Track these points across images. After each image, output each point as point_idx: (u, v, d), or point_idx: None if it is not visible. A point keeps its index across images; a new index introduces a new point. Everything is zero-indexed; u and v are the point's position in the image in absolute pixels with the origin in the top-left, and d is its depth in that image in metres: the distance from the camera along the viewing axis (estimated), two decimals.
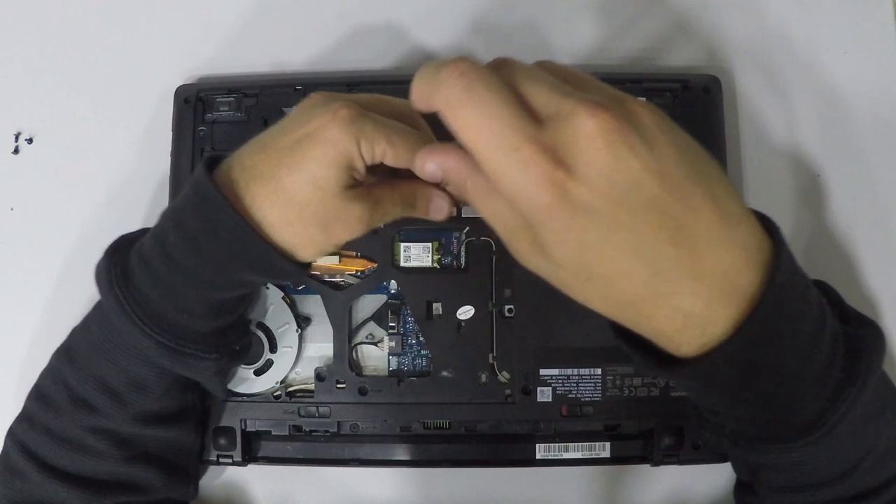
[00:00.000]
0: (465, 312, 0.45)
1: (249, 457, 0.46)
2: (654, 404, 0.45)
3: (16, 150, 0.51)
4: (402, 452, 0.46)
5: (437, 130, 0.35)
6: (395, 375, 0.45)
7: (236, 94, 0.47)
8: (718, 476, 0.47)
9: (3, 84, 0.51)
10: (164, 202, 0.47)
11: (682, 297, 0.29)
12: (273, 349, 0.45)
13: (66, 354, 0.41)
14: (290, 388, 0.46)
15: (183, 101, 0.48)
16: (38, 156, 0.51)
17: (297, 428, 0.46)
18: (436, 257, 0.46)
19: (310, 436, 0.46)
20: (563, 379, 0.45)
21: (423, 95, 0.30)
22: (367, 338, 0.46)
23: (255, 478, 0.47)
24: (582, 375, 0.45)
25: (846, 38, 0.51)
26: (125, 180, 0.49)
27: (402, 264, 0.46)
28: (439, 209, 0.38)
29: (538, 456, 0.45)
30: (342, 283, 0.46)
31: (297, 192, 0.35)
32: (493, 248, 0.46)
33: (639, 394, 0.45)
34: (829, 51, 0.51)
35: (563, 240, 0.29)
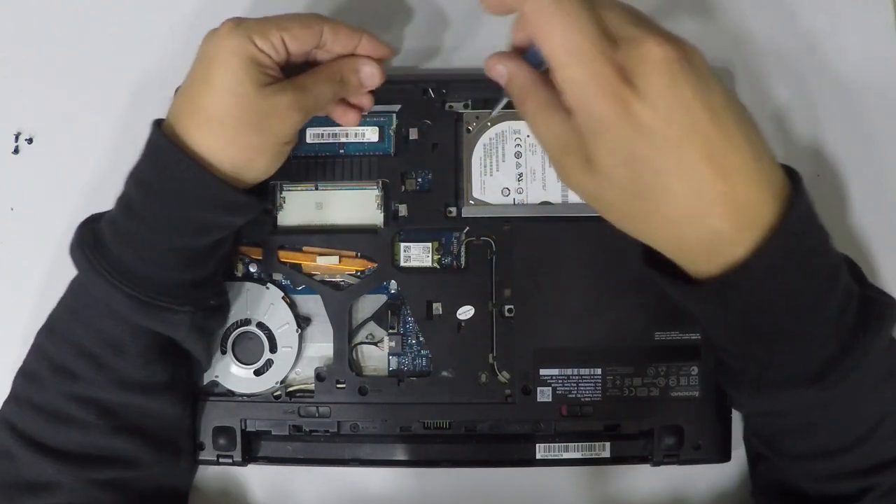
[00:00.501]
0: (465, 312, 0.45)
1: (249, 457, 0.46)
2: (654, 404, 0.45)
3: (16, 150, 0.51)
4: (402, 452, 0.46)
5: None
6: (395, 375, 0.46)
7: None
8: (718, 476, 0.47)
9: (3, 84, 0.51)
10: None
11: (714, 218, 0.31)
12: (273, 349, 0.45)
13: (47, 328, 0.41)
14: (290, 388, 0.46)
15: None
16: (38, 156, 0.51)
17: (297, 428, 0.46)
18: (436, 257, 0.46)
19: (310, 436, 0.46)
20: (563, 379, 0.45)
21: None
22: (367, 338, 0.46)
23: (255, 478, 0.47)
24: (582, 375, 0.45)
25: (846, 38, 0.51)
26: (125, 181, 0.49)
27: (402, 264, 0.46)
28: (371, 75, 0.41)
29: (538, 456, 0.45)
30: (342, 283, 0.46)
31: (219, 108, 0.37)
32: (493, 248, 0.46)
33: (639, 394, 0.45)
34: (830, 51, 0.50)
35: (615, 151, 0.31)
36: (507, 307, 0.45)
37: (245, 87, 0.37)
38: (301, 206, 0.47)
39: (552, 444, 0.45)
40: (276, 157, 0.40)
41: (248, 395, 0.45)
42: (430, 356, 0.46)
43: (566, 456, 0.45)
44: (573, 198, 0.46)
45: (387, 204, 0.46)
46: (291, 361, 0.45)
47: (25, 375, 0.41)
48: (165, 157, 0.38)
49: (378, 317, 0.46)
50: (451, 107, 0.47)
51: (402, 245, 0.46)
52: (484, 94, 0.46)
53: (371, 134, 0.47)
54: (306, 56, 0.40)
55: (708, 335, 0.39)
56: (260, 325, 0.45)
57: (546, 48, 0.32)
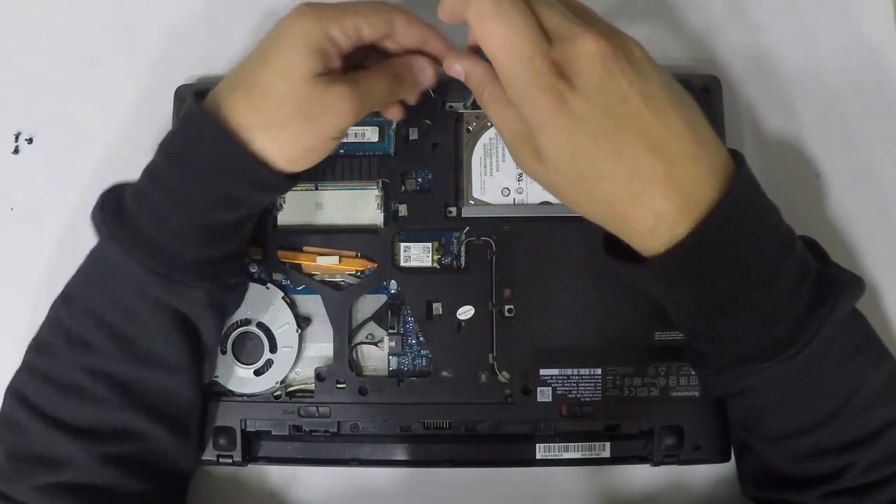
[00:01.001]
0: (465, 312, 0.45)
1: (249, 457, 0.46)
2: (654, 404, 0.45)
3: (16, 150, 0.51)
4: (402, 452, 0.46)
5: None
6: (395, 375, 0.45)
7: None
8: (718, 476, 0.47)
9: (3, 84, 0.51)
10: None
11: (654, 198, 0.33)
12: (273, 349, 0.45)
13: (62, 299, 0.41)
14: (290, 388, 0.46)
15: (183, 101, 0.48)
16: (38, 156, 0.51)
17: (297, 428, 0.46)
18: (436, 257, 0.46)
19: (310, 436, 0.46)
20: (563, 379, 0.45)
21: (454, 8, 0.35)
22: (367, 338, 0.46)
23: (255, 478, 0.47)
24: (582, 375, 0.45)
25: (846, 38, 0.51)
26: (125, 180, 0.49)
27: (402, 264, 0.46)
28: (423, 69, 0.41)
29: (538, 456, 0.45)
30: (342, 283, 0.46)
31: (269, 87, 0.37)
32: (493, 248, 0.46)
33: (639, 394, 0.45)
34: (830, 51, 0.51)
35: (557, 142, 0.34)
36: (507, 307, 0.45)
37: (301, 72, 0.36)
38: (301, 206, 0.47)
39: (552, 444, 0.45)
40: (317, 152, 0.39)
41: (248, 395, 0.45)
42: (430, 356, 0.46)
43: (566, 456, 0.45)
44: None
45: (387, 204, 0.46)
46: (291, 361, 0.45)
47: (39, 346, 0.40)
48: (198, 127, 0.37)
49: (378, 317, 0.46)
50: (451, 107, 0.47)
51: (402, 245, 0.46)
52: None
53: (371, 134, 0.47)
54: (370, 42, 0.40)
55: (669, 315, 0.39)
56: (260, 325, 0.45)
57: (487, 49, 0.34)
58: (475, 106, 0.46)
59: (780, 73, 0.50)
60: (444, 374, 0.45)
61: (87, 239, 0.49)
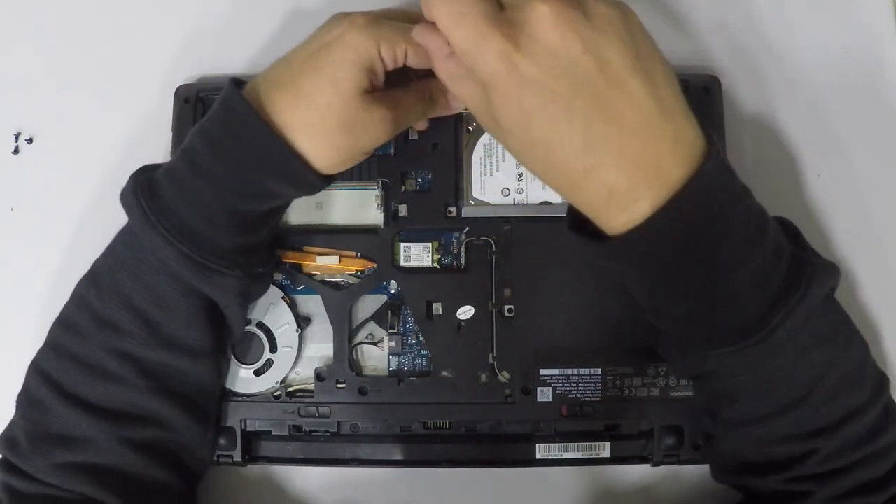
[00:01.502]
0: (465, 312, 0.45)
1: (249, 457, 0.46)
2: (654, 404, 0.45)
3: (16, 150, 0.51)
4: (402, 452, 0.46)
5: None
6: (395, 375, 0.46)
7: None
8: None
9: (3, 84, 0.51)
10: None
11: (608, 170, 0.32)
12: (273, 349, 0.45)
13: (90, 279, 0.41)
14: (290, 388, 0.46)
15: (183, 101, 0.48)
16: (38, 156, 0.51)
17: (297, 428, 0.46)
18: (436, 257, 0.46)
19: (310, 436, 0.46)
20: (563, 379, 0.45)
21: None
22: (367, 338, 0.46)
23: (255, 478, 0.47)
24: (582, 375, 0.45)
25: (846, 38, 0.51)
26: (125, 180, 0.49)
27: (402, 264, 0.46)
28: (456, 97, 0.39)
29: (538, 456, 0.45)
30: (342, 283, 0.46)
31: (317, 96, 0.37)
32: (493, 248, 0.46)
33: (639, 394, 0.45)
34: (830, 51, 0.51)
35: (508, 106, 0.33)
36: (507, 307, 0.45)
37: (350, 87, 0.37)
38: (301, 206, 0.47)
39: (552, 444, 0.45)
40: (350, 161, 0.40)
41: (248, 395, 0.45)
42: (430, 356, 0.46)
43: (566, 456, 0.45)
44: None
45: (387, 204, 0.46)
46: (291, 361, 0.45)
47: (66, 325, 0.40)
48: (242, 119, 0.37)
49: (378, 317, 0.46)
50: None
51: (402, 245, 0.46)
52: None
53: None
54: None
55: (631, 293, 0.39)
56: (260, 325, 0.45)
57: (434, 16, 0.33)
58: None
59: (780, 72, 0.50)
60: (444, 374, 0.45)
61: (88, 239, 0.49)
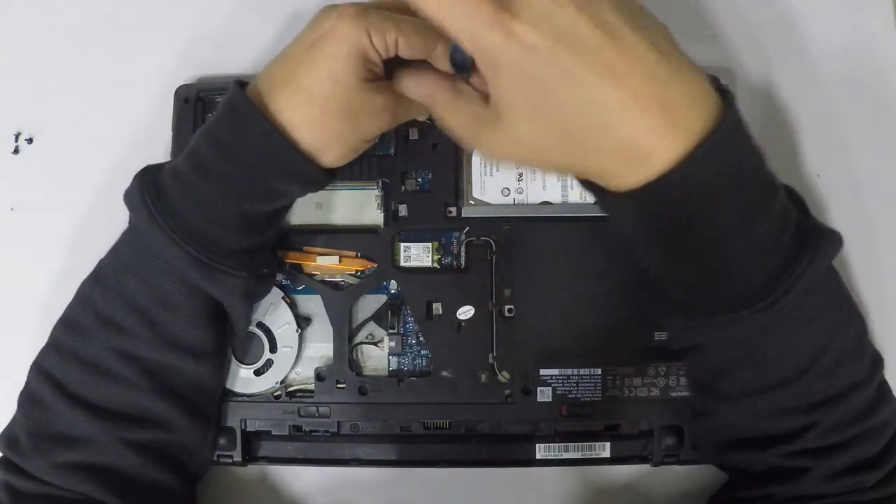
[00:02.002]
0: (465, 312, 0.45)
1: (249, 457, 0.46)
2: (654, 404, 0.45)
3: (16, 150, 0.51)
4: (402, 452, 0.46)
5: None
6: (395, 375, 0.46)
7: None
8: (718, 476, 0.47)
9: (3, 84, 0.51)
10: None
11: (625, 123, 0.32)
12: (273, 349, 0.45)
13: (94, 279, 0.41)
14: (290, 388, 0.46)
15: (183, 101, 0.48)
16: (38, 156, 0.51)
17: (297, 428, 0.46)
18: (436, 257, 0.46)
19: (310, 436, 0.46)
20: (563, 379, 0.45)
21: None
22: (367, 338, 0.46)
23: (255, 478, 0.47)
24: (582, 375, 0.45)
25: (846, 38, 0.51)
26: (125, 180, 0.49)
27: (402, 264, 0.46)
28: None
29: (538, 456, 0.45)
30: (342, 283, 0.46)
31: (316, 89, 0.37)
32: (493, 248, 0.46)
33: (639, 394, 0.45)
34: (830, 51, 0.51)
35: (514, 77, 0.32)
36: (507, 307, 0.45)
37: (349, 77, 0.37)
38: (301, 206, 0.47)
39: (552, 444, 0.45)
40: (354, 151, 0.40)
41: (248, 395, 0.45)
42: (430, 356, 0.46)
43: (566, 456, 0.45)
44: (573, 198, 0.46)
45: (387, 204, 0.46)
46: (291, 361, 0.45)
47: (69, 325, 0.40)
48: (247, 120, 0.37)
49: (378, 317, 0.46)
50: None
51: (402, 245, 0.46)
52: None
53: None
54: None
55: (642, 259, 0.38)
56: (260, 325, 0.45)
57: (427, 8, 0.32)
58: None
59: (780, 72, 0.50)
60: (444, 374, 0.45)
61: (88, 239, 0.49)
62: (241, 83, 0.39)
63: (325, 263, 0.46)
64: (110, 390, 0.39)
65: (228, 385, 0.45)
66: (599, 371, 0.45)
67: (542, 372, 0.45)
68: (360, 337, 0.46)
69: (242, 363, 0.45)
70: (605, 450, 0.45)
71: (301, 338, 0.46)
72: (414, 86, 0.37)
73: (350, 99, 0.37)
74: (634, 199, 0.33)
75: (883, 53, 0.51)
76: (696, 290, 0.37)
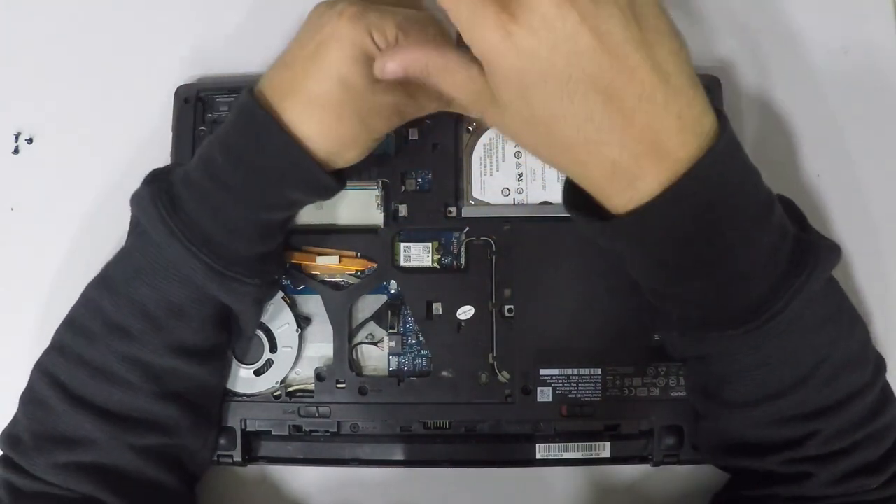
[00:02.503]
0: (465, 312, 0.45)
1: (249, 457, 0.46)
2: (654, 404, 0.45)
3: (16, 150, 0.51)
4: (402, 452, 0.46)
5: None
6: (395, 375, 0.45)
7: (236, 94, 0.47)
8: (718, 476, 0.46)
9: (3, 84, 0.51)
10: None
11: (611, 146, 0.31)
12: (273, 349, 0.45)
13: (102, 283, 0.41)
14: (290, 388, 0.46)
15: (183, 101, 0.48)
16: (38, 156, 0.51)
17: (297, 428, 0.46)
18: (436, 257, 0.46)
19: (310, 436, 0.46)
20: (563, 379, 0.45)
21: None
22: (367, 338, 0.46)
23: (255, 478, 0.47)
24: (582, 375, 0.45)
25: (846, 38, 0.51)
26: (125, 180, 0.49)
27: (402, 264, 0.46)
28: None
29: (538, 456, 0.45)
30: (342, 283, 0.46)
31: (328, 97, 0.37)
32: (493, 248, 0.46)
33: (639, 394, 0.45)
34: (830, 51, 0.50)
35: (508, 80, 0.32)
36: (507, 307, 0.45)
37: (356, 79, 0.37)
38: None
39: (552, 444, 0.45)
40: (366, 150, 0.40)
41: (248, 395, 0.45)
42: (430, 356, 0.46)
43: (566, 456, 0.45)
44: None
45: (387, 204, 0.46)
46: (291, 361, 0.45)
47: (74, 328, 0.40)
48: (264, 132, 0.37)
49: (378, 317, 0.46)
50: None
51: (402, 245, 0.46)
52: None
53: None
54: None
55: (631, 274, 0.38)
56: (260, 325, 0.45)
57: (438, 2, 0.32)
58: None
59: (779, 73, 0.50)
60: (444, 374, 0.45)
61: (88, 239, 0.49)
62: (252, 89, 0.39)
63: (326, 263, 0.46)
64: (114, 393, 0.39)
65: (228, 385, 0.45)
66: (599, 371, 0.45)
67: (542, 372, 0.45)
68: (360, 337, 0.46)
69: (242, 363, 0.45)
70: (605, 450, 0.45)
71: (301, 338, 0.46)
72: (408, 57, 0.35)
73: (362, 101, 0.37)
74: (617, 225, 0.34)
75: (883, 54, 0.51)
76: (689, 307, 0.37)
